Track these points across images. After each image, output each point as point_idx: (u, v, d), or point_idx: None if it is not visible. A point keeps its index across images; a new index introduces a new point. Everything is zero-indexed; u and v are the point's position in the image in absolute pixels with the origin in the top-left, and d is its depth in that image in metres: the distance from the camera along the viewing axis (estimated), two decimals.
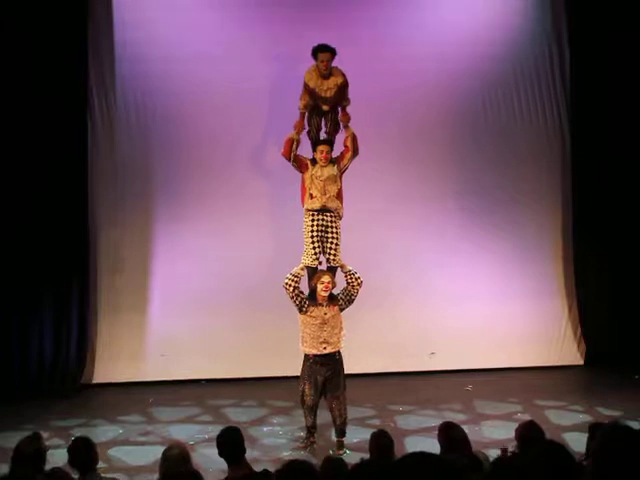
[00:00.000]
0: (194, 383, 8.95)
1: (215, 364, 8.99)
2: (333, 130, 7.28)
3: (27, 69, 8.61)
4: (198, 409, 8.08)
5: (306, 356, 6.79)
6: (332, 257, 6.98)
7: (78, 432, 6.89)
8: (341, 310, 6.80)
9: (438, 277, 9.39)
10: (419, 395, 8.37)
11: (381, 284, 8.66)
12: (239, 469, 4.30)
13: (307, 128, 7.32)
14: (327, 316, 6.71)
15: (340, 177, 7.14)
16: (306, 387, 6.74)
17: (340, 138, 7.34)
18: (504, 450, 4.29)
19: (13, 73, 8.58)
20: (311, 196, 7.01)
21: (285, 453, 6.62)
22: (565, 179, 9.76)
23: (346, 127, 7.24)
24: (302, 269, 6.91)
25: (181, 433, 7.20)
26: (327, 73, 7.06)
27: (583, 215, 9.61)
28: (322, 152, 7.04)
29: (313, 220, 6.98)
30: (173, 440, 6.56)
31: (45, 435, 5.60)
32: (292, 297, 6.76)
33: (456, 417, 7.24)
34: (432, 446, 4.20)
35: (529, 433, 4.38)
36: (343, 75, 7.14)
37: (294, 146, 7.15)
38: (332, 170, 7.07)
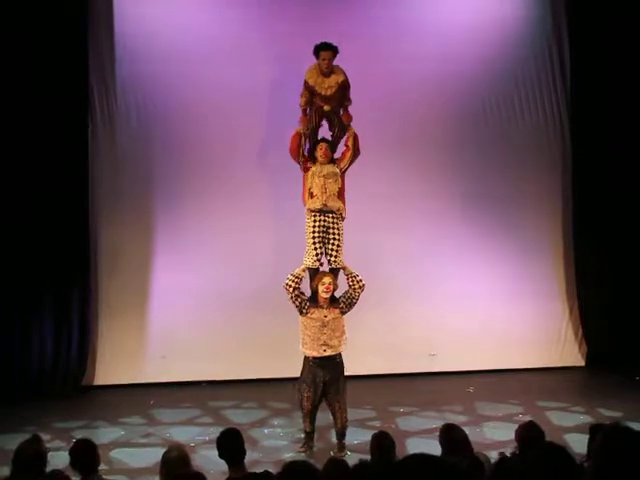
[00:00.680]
0: (195, 385, 8.94)
1: (216, 366, 8.98)
2: (340, 133, 7.25)
3: (27, 69, 8.61)
4: (199, 411, 8.07)
5: (306, 358, 6.75)
6: (334, 258, 6.95)
7: (79, 434, 6.88)
8: (342, 313, 6.75)
9: (439, 278, 9.38)
10: (420, 396, 8.36)
11: (381, 285, 8.65)
12: (239, 471, 4.30)
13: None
14: (327, 318, 6.67)
15: (341, 177, 7.14)
16: (305, 390, 6.69)
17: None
18: (502, 455, 4.27)
19: (14, 73, 8.58)
20: (311, 195, 7.01)
21: (286, 455, 6.61)
22: (565, 179, 9.76)
23: (348, 127, 7.24)
24: (303, 270, 6.88)
25: (182, 435, 7.19)
26: (328, 71, 7.07)
27: (583, 216, 9.61)
28: (321, 149, 7.05)
29: (315, 221, 6.96)
30: (174, 442, 6.55)
31: (46, 437, 5.63)
32: (292, 298, 6.73)
33: (457, 418, 7.24)
34: (433, 448, 4.20)
35: (529, 433, 4.37)
36: (344, 74, 7.15)
37: (302, 140, 7.14)
38: (332, 168, 7.08)
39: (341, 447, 6.76)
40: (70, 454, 4.47)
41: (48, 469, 4.21)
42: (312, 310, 6.68)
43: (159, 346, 9.05)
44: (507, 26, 9.55)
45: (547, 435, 4.51)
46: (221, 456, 4.39)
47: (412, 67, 9.25)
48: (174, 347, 9.01)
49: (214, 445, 4.47)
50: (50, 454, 4.40)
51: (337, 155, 7.28)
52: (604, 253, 9.60)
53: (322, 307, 6.69)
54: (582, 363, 9.73)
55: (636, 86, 9.46)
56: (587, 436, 4.46)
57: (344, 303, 6.75)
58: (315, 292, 6.74)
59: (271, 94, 9.09)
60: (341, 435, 6.80)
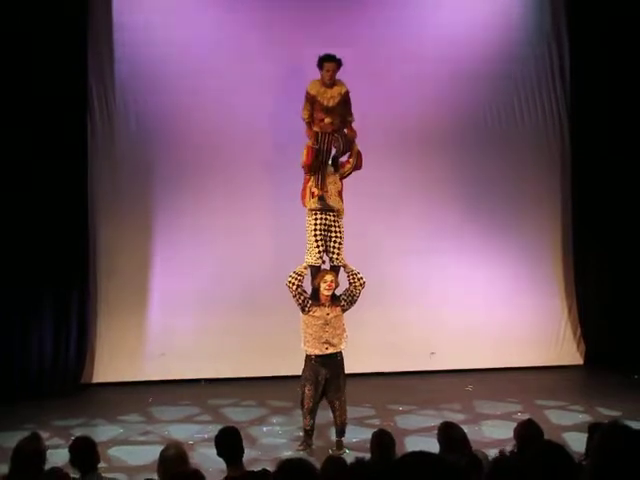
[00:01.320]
0: (194, 383, 8.95)
1: (215, 364, 8.99)
2: (344, 148, 7.16)
3: (27, 68, 8.61)
4: (197, 409, 8.08)
5: (308, 356, 6.76)
6: (335, 256, 6.96)
7: (78, 432, 6.88)
8: (343, 311, 6.77)
9: (438, 277, 9.39)
10: (419, 395, 8.37)
11: (381, 284, 8.65)
12: (238, 469, 4.30)
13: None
14: (329, 316, 6.69)
15: (340, 180, 7.17)
16: (307, 388, 6.70)
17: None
18: (502, 453, 4.28)
19: (13, 72, 8.57)
20: (312, 194, 7.01)
21: (284, 453, 6.61)
22: (565, 179, 9.76)
23: (352, 144, 7.20)
24: (305, 268, 6.89)
25: (180, 433, 7.20)
26: (331, 83, 7.00)
27: (583, 215, 9.63)
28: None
29: (316, 219, 6.97)
30: (172, 440, 6.55)
31: (45, 435, 5.61)
32: (295, 296, 6.73)
33: (456, 417, 7.24)
34: (432, 446, 4.20)
35: (528, 432, 4.38)
36: (346, 87, 7.10)
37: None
38: (333, 174, 7.11)
39: (339, 445, 6.77)
40: (69, 452, 4.47)
41: (47, 467, 4.21)
42: (314, 308, 6.70)
43: (158, 344, 9.06)
44: (507, 27, 9.55)
45: (546, 434, 4.51)
46: (219, 454, 4.40)
47: (411, 68, 9.25)
48: (173, 345, 9.01)
49: (213, 443, 4.48)
50: (49, 452, 4.40)
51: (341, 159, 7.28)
52: (603, 252, 9.60)
53: (324, 305, 6.71)
54: (581, 362, 9.74)
55: (636, 86, 9.46)
56: (586, 435, 4.47)
57: (345, 301, 6.77)
58: (317, 290, 6.76)
59: (271, 93, 9.08)
60: (340, 433, 6.81)
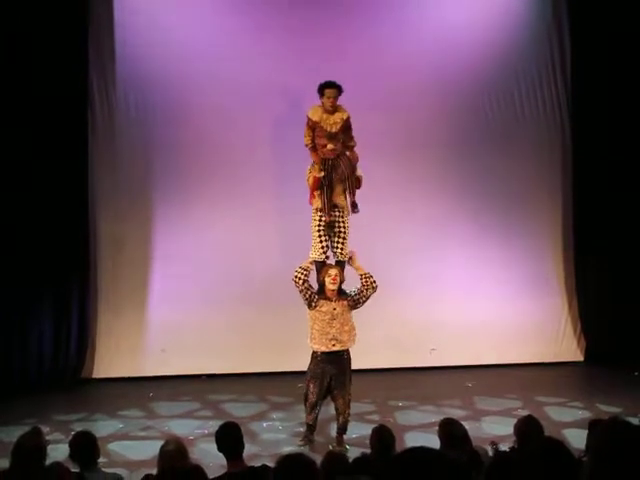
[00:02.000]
0: (194, 378, 8.95)
1: (215, 359, 8.99)
2: (348, 172, 7.06)
3: (28, 65, 8.60)
4: (198, 404, 8.09)
5: (314, 353, 6.76)
6: (340, 251, 6.96)
7: (78, 427, 6.86)
8: (351, 308, 6.77)
9: (438, 273, 9.39)
10: (419, 391, 8.38)
11: (381, 280, 8.62)
12: (238, 464, 4.30)
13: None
14: (336, 311, 6.69)
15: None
16: (311, 384, 6.71)
17: None
18: (494, 443, 4.26)
19: (15, 70, 8.57)
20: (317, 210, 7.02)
21: (285, 448, 6.61)
22: (566, 177, 9.76)
23: (354, 168, 7.13)
24: (311, 263, 6.89)
25: (181, 428, 7.20)
26: (332, 109, 6.92)
27: (584, 211, 9.61)
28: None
29: (321, 217, 6.96)
30: (172, 435, 6.56)
31: (45, 430, 5.63)
32: (302, 291, 6.72)
33: (456, 413, 7.24)
34: (432, 442, 4.20)
35: (528, 428, 4.37)
36: (347, 112, 6.99)
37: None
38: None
39: (340, 441, 6.77)
40: (70, 446, 4.47)
41: (48, 462, 4.21)
42: (321, 302, 6.70)
43: (159, 339, 9.06)
44: (508, 25, 9.53)
45: (546, 430, 4.51)
46: (220, 449, 4.40)
47: (412, 67, 9.25)
48: (174, 341, 9.02)
49: (213, 438, 4.48)
50: (50, 447, 4.39)
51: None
52: (603, 249, 9.59)
53: (330, 300, 6.71)
54: (581, 358, 9.75)
55: (636, 84, 9.44)
56: (585, 431, 4.47)
57: (352, 298, 6.76)
58: (322, 285, 6.76)
59: (271, 92, 9.06)
60: (342, 430, 6.82)
